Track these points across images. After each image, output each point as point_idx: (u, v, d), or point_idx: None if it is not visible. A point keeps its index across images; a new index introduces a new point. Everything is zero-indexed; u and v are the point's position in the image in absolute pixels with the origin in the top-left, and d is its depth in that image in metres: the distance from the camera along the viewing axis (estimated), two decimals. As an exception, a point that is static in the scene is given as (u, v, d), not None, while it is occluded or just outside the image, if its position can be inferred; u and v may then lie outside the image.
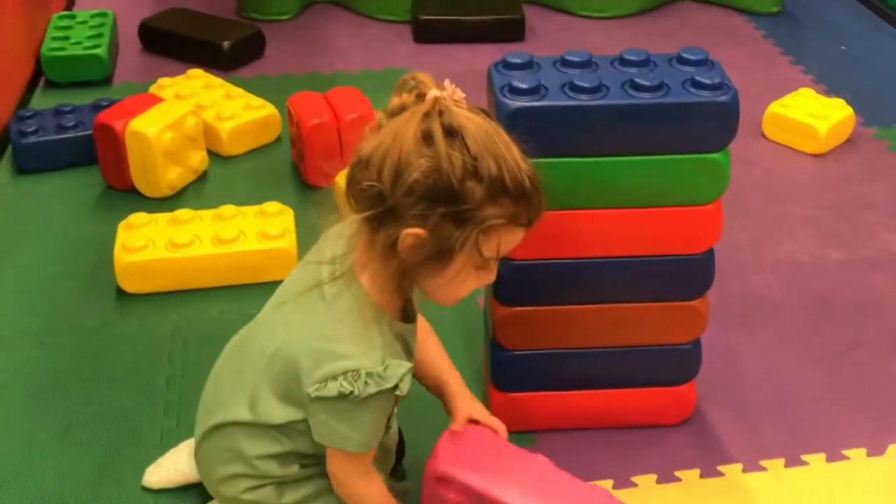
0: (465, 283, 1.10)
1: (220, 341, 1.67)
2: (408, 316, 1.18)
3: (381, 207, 1.03)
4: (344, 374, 1.06)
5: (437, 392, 1.30)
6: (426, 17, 2.87)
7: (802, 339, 1.71)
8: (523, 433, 1.48)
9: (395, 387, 1.07)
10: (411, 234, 1.03)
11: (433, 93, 1.03)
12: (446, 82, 1.06)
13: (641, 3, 3.03)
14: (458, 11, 2.90)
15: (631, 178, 1.28)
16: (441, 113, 1.01)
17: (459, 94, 1.06)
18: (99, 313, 1.75)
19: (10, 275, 1.85)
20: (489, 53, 2.76)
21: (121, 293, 1.79)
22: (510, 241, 1.09)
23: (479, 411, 1.27)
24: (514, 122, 1.22)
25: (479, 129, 1.02)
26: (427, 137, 1.01)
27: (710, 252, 1.36)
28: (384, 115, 1.07)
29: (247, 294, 1.79)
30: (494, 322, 1.39)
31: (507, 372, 1.43)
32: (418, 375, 1.28)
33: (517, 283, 1.35)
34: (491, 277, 1.12)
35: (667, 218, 1.30)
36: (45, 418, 1.52)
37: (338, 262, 1.11)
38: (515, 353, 1.41)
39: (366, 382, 1.06)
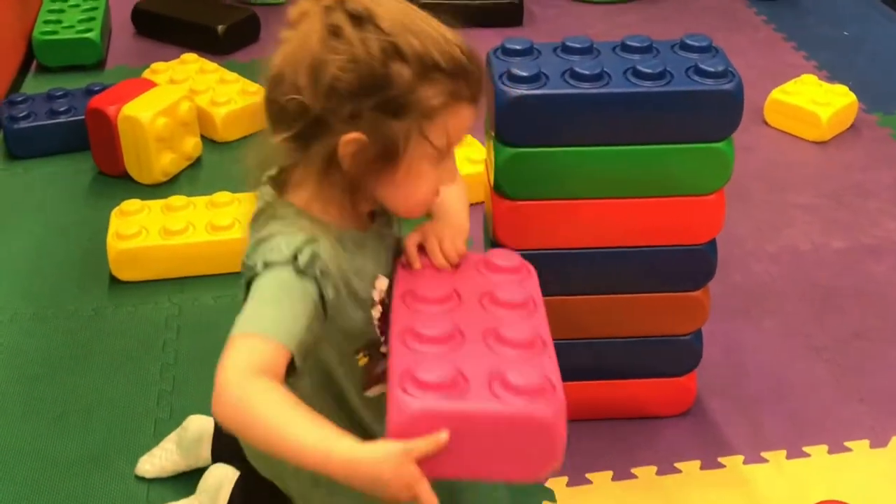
0: (424, 182, 0.96)
1: (213, 329, 1.66)
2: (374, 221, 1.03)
3: (307, 119, 0.91)
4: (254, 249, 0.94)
5: None
6: (424, 0, 2.83)
7: (804, 329, 1.70)
8: (522, 424, 1.46)
9: (295, 259, 0.91)
10: (349, 140, 0.91)
11: None
12: None
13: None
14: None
15: (632, 167, 1.26)
16: (343, 2, 0.91)
17: None
18: (91, 301, 1.73)
19: (3, 260, 1.83)
20: (487, 38, 2.70)
21: (114, 280, 1.77)
22: (459, 123, 0.95)
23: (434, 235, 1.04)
24: (514, 110, 1.20)
25: (390, 8, 0.92)
26: (335, 31, 0.91)
27: (713, 242, 1.34)
28: (286, 28, 0.95)
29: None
30: (493, 313, 1.37)
31: (505, 363, 1.41)
32: None
33: (516, 273, 1.32)
34: (452, 174, 0.99)
35: (668, 208, 1.28)
36: (38, 406, 1.51)
37: (264, 195, 0.99)
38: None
39: (263, 254, 0.93)
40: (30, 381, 1.56)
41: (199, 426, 1.36)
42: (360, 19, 0.91)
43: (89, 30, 2.48)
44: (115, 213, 1.82)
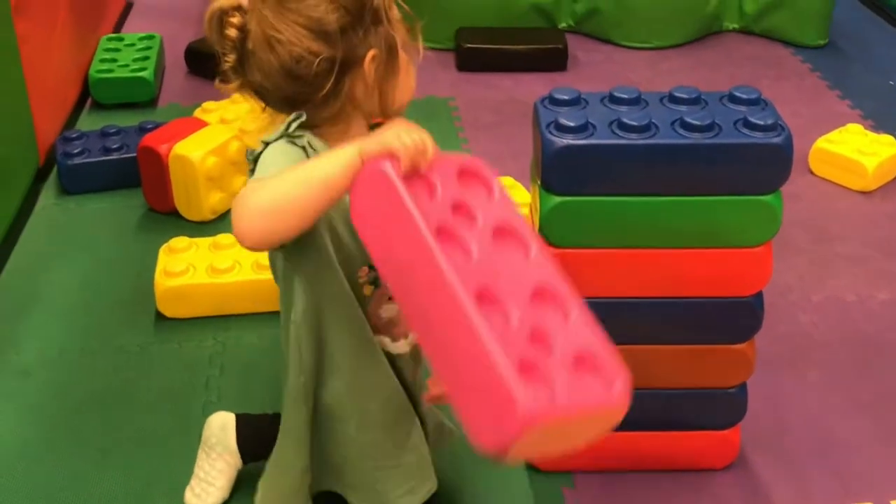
0: (410, 70, 1.15)
1: (256, 368, 1.68)
2: None
3: (338, 67, 1.07)
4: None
5: None
6: (470, 45, 2.87)
7: (849, 383, 1.67)
8: (562, 473, 1.45)
9: (287, 131, 1.08)
10: (370, 58, 1.08)
11: None
12: None
13: (685, 34, 3.01)
14: (502, 41, 2.90)
15: (679, 218, 1.26)
16: None
17: None
18: (137, 337, 1.76)
19: (52, 294, 1.87)
20: (532, 82, 2.76)
21: (160, 316, 1.80)
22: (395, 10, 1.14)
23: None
24: (561, 160, 1.20)
25: None
26: None
27: (759, 295, 1.33)
28: (232, 48, 1.11)
29: (285, 321, 1.79)
30: (535, 359, 1.37)
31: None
32: None
33: (560, 321, 1.33)
34: (418, 49, 1.16)
35: (715, 259, 1.28)
36: (83, 441, 1.53)
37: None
38: (556, 392, 1.39)
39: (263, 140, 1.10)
40: (75, 415, 1.58)
41: (220, 419, 1.39)
42: None
43: (143, 69, 2.54)
44: (163, 250, 1.86)
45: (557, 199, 1.25)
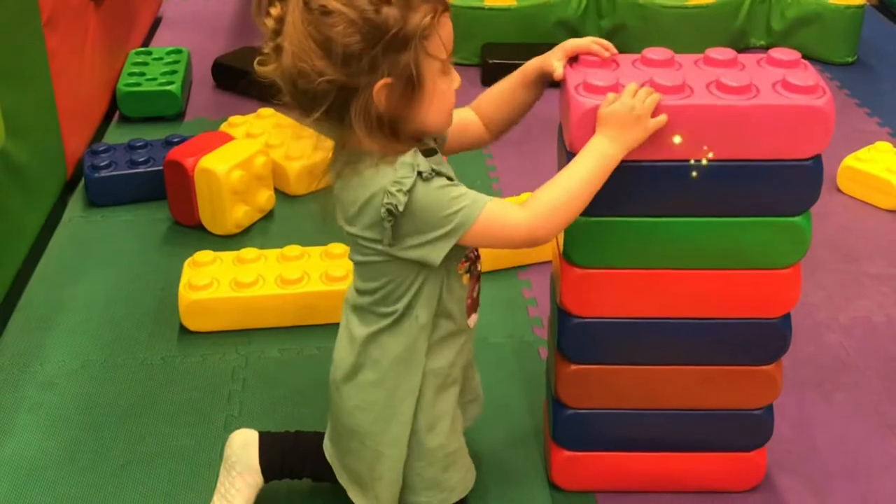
0: (444, 92, 1.12)
1: (278, 382, 1.68)
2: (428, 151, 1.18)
3: (338, 91, 1.07)
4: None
5: (527, 84, 1.32)
6: (495, 60, 2.87)
7: (877, 405, 1.65)
8: (584, 493, 1.44)
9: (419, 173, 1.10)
10: (378, 88, 1.07)
11: None
12: None
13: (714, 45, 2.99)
14: (527, 56, 2.87)
15: (707, 239, 1.24)
16: None
17: None
18: (160, 350, 1.76)
19: (77, 307, 1.88)
20: (555, 98, 2.75)
21: (183, 330, 1.80)
22: (447, 31, 1.11)
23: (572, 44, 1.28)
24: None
25: None
26: (322, 11, 1.04)
27: (787, 317, 1.31)
28: (270, 37, 1.09)
29: (308, 335, 1.79)
30: (558, 378, 1.36)
31: (569, 430, 1.40)
32: (505, 109, 1.35)
33: (583, 341, 1.32)
34: (455, 74, 1.14)
35: (743, 281, 1.26)
36: (105, 454, 1.53)
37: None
38: (579, 410, 1.38)
39: (397, 185, 1.10)
40: (97, 429, 1.58)
41: (242, 437, 1.39)
42: None
43: (171, 83, 2.56)
44: (187, 263, 1.86)
45: (582, 218, 1.24)
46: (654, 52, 1.27)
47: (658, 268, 1.26)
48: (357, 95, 1.07)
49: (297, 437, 1.39)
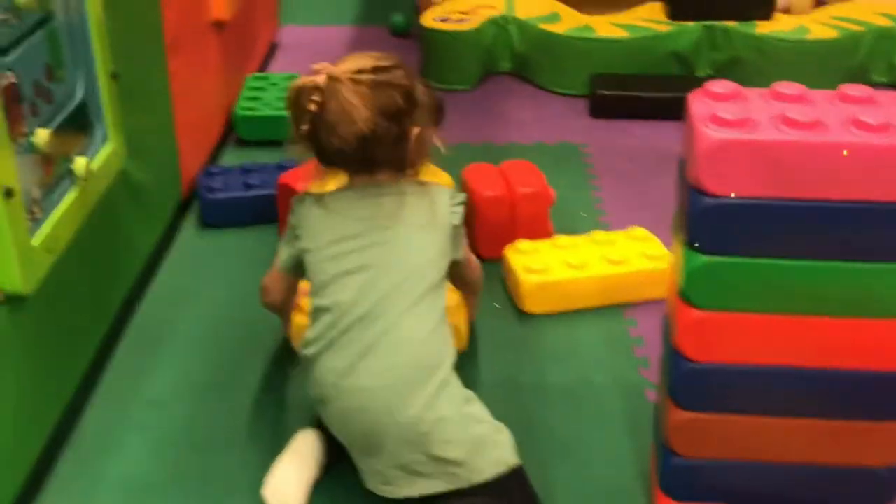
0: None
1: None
2: None
3: (400, 131, 1.43)
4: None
5: None
6: (604, 92, 2.84)
7: None
8: (694, 546, 1.38)
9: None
10: (415, 132, 1.45)
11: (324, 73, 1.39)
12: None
13: (830, 86, 2.87)
14: (637, 88, 2.86)
15: (840, 285, 1.18)
16: (361, 70, 1.40)
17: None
18: (267, 373, 1.78)
19: (187, 327, 1.91)
20: (666, 130, 2.70)
21: (285, 352, 1.81)
22: None
23: None
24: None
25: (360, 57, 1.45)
26: (375, 85, 1.41)
27: (922, 370, 1.24)
28: (309, 119, 1.41)
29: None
30: (669, 425, 1.31)
31: (679, 479, 1.34)
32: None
33: (698, 387, 1.27)
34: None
35: (875, 330, 1.20)
36: (209, 477, 1.54)
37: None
38: (690, 460, 1.32)
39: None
40: (202, 450, 1.60)
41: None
42: (381, 69, 1.41)
43: (286, 108, 2.61)
44: (296, 308, 1.86)
45: (705, 258, 1.20)
46: (786, 87, 1.22)
47: (784, 313, 1.21)
48: (405, 139, 1.45)
49: None
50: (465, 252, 1.59)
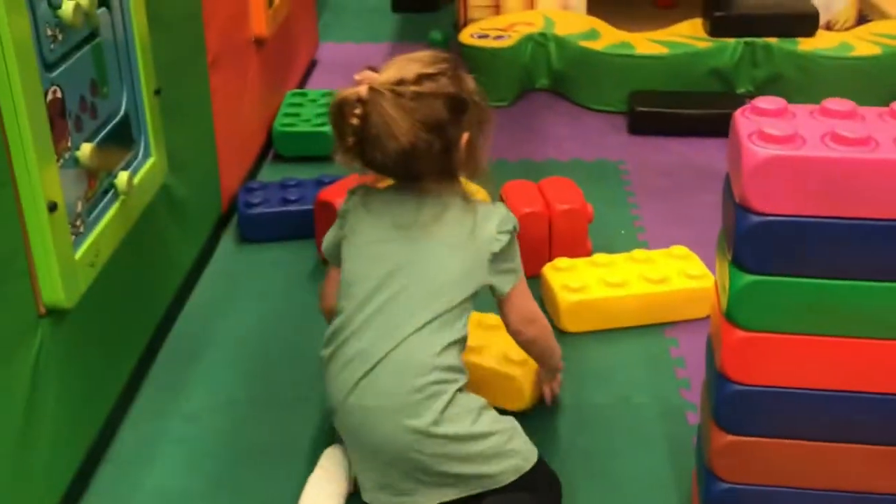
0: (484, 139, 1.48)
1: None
2: None
3: (442, 149, 1.39)
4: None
5: None
6: (643, 108, 2.82)
7: None
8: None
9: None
10: (464, 140, 1.41)
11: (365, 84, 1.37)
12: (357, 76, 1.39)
13: (875, 103, 2.83)
14: (676, 104, 2.84)
15: (889, 306, 1.15)
16: (404, 79, 1.37)
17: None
18: (304, 387, 1.77)
19: (225, 341, 1.92)
20: (705, 147, 2.68)
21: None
22: None
23: None
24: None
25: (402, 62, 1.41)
26: (417, 95, 1.37)
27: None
28: (352, 132, 1.38)
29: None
30: (712, 449, 1.29)
31: (722, 504, 1.32)
32: None
33: (743, 410, 1.24)
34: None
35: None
36: (244, 493, 1.54)
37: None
38: (733, 485, 1.29)
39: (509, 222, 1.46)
40: (238, 465, 1.60)
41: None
42: (426, 76, 1.37)
43: (324, 124, 2.62)
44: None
45: (751, 277, 1.17)
46: (835, 103, 1.19)
47: (833, 335, 1.18)
48: (452, 149, 1.41)
49: None
50: (514, 294, 1.46)
